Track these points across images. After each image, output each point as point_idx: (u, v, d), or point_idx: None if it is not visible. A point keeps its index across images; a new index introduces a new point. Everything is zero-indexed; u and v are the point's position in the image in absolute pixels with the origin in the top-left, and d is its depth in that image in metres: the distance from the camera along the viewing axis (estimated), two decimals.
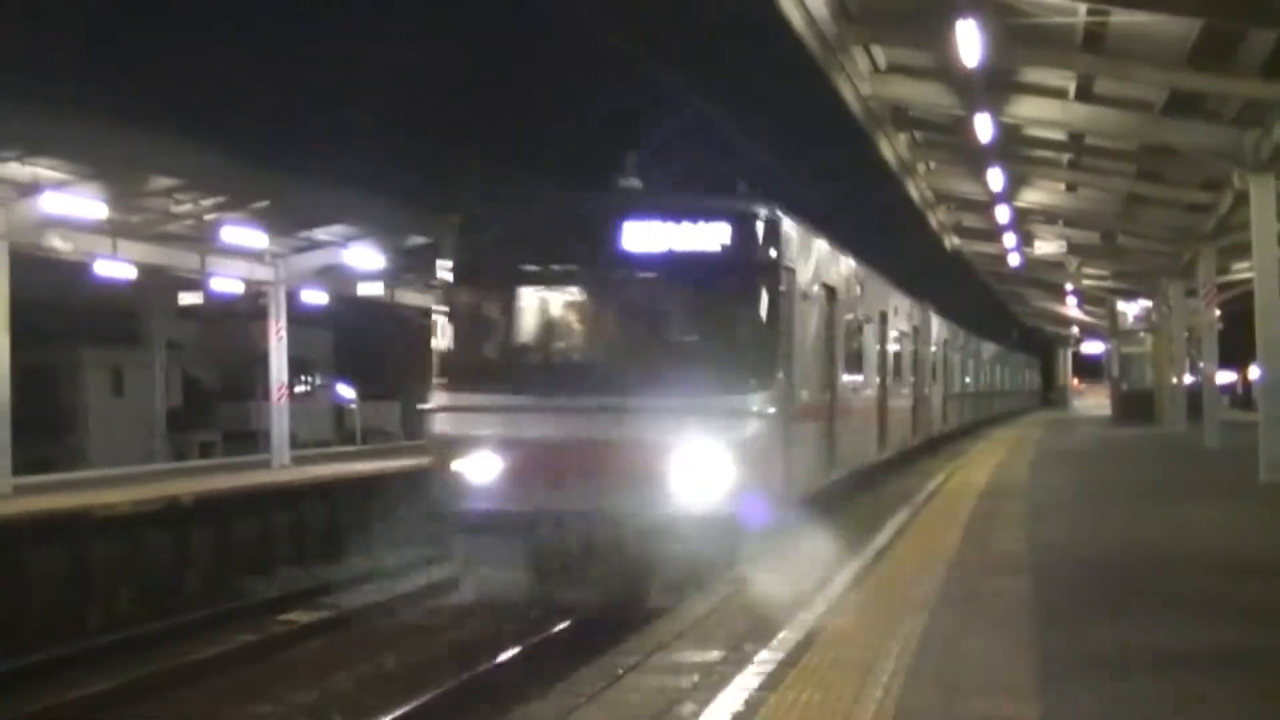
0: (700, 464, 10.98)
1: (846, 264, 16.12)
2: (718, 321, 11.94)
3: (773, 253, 11.77)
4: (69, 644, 13.46)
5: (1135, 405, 41.06)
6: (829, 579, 9.47)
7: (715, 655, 7.27)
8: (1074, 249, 34.14)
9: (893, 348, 20.62)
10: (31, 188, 17.37)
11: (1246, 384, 56.15)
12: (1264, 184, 16.82)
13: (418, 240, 24.21)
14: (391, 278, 27.99)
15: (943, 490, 17.18)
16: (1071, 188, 26.62)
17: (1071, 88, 18.09)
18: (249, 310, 30.53)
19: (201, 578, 17.18)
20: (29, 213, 17.62)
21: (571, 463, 11.08)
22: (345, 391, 39.72)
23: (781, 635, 7.49)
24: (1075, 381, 77.11)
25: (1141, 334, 43.85)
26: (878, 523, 13.02)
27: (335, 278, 26.24)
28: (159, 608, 15.53)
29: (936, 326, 28.17)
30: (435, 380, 11.93)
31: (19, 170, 17.15)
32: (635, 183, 12.75)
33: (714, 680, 6.63)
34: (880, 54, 18.63)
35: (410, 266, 26.70)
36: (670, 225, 11.64)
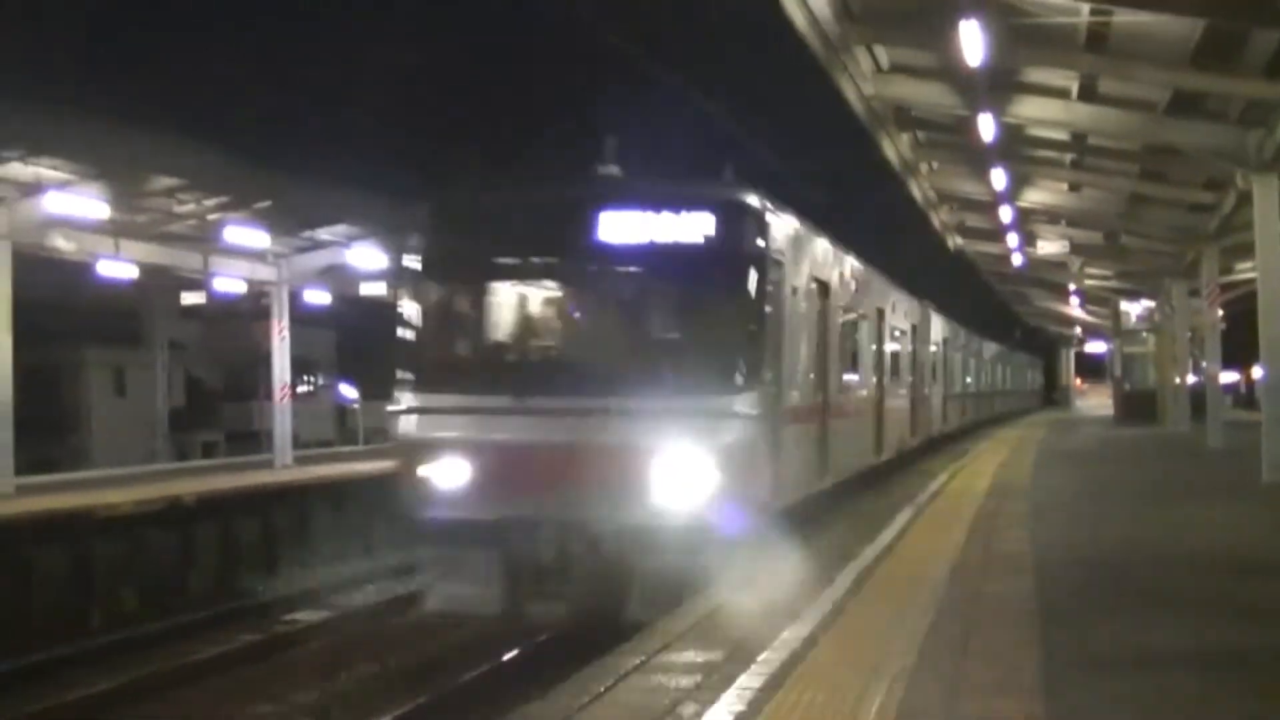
0: (680, 469, 10.17)
1: (841, 259, 15.41)
2: (700, 317, 11.09)
3: (759, 244, 10.91)
4: (70, 644, 13.48)
5: (1138, 405, 41.07)
6: (829, 580, 9.45)
7: (717, 656, 7.19)
8: (1077, 249, 34.09)
9: (890, 347, 20.07)
10: (34, 188, 17.40)
11: (1250, 384, 56.16)
12: (1267, 184, 16.81)
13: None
14: (394, 277, 27.97)
15: (945, 491, 17.12)
16: (1074, 188, 26.60)
17: (1074, 88, 18.08)
18: (251, 310, 30.55)
19: (203, 578, 17.18)
20: (32, 213, 17.64)
21: (543, 468, 10.31)
22: (348, 391, 39.75)
23: (784, 634, 7.47)
24: (1078, 381, 77.03)
25: (1144, 334, 43.89)
26: (878, 524, 12.89)
27: (338, 277, 26.20)
28: (160, 608, 15.53)
29: (937, 325, 27.89)
30: (400, 379, 11.10)
31: (21, 170, 17.16)
32: (615, 170, 11.85)
33: (714, 682, 6.62)
34: (883, 54, 18.61)
35: None
36: (649, 214, 10.82)
